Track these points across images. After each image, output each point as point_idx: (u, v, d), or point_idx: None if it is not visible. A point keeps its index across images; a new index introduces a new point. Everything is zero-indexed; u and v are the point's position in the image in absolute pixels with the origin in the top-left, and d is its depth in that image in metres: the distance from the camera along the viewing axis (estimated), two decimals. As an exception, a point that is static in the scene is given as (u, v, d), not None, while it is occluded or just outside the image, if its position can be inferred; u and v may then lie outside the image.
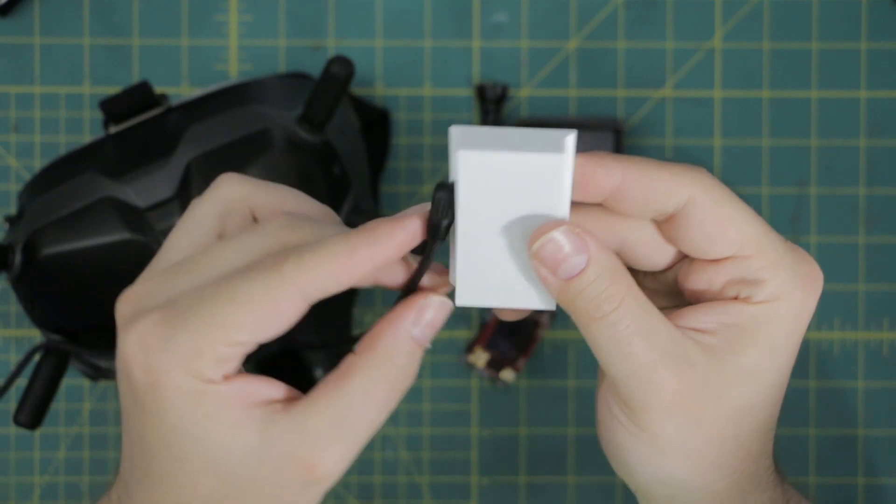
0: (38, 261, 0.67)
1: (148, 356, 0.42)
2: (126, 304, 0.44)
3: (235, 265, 0.43)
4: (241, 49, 0.79)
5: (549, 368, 0.79)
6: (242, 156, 0.68)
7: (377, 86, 0.79)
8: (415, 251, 0.45)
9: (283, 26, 0.79)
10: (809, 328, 0.79)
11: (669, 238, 0.46)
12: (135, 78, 0.78)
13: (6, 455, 0.79)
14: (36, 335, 0.78)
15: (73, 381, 0.78)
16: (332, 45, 0.79)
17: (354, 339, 0.45)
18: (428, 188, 0.79)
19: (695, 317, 0.46)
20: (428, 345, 0.44)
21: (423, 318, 0.44)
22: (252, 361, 0.71)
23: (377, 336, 0.44)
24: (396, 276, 0.45)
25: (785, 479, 0.51)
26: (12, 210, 0.77)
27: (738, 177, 0.79)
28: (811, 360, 0.79)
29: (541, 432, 0.79)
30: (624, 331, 0.43)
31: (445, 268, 0.45)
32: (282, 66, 0.78)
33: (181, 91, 0.78)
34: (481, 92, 0.78)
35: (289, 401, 0.44)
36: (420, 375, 0.79)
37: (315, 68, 0.77)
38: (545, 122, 0.77)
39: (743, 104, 0.79)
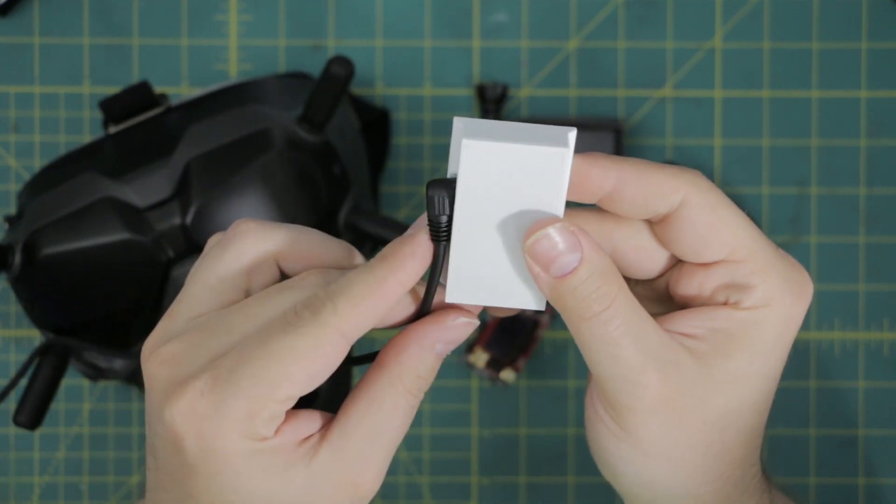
0: (38, 261, 0.67)
1: (201, 424, 0.42)
2: (160, 365, 0.43)
3: (272, 319, 0.42)
4: (240, 49, 0.79)
5: (549, 368, 0.79)
6: (242, 156, 0.68)
7: (377, 86, 0.79)
8: None
9: (283, 26, 0.79)
10: (809, 328, 0.79)
11: (662, 240, 0.46)
12: (135, 78, 0.78)
13: (6, 455, 0.79)
14: (36, 335, 0.78)
15: (73, 381, 0.78)
16: (332, 45, 0.79)
17: (360, 360, 0.46)
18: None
19: (684, 321, 0.46)
20: (448, 353, 0.45)
21: (449, 335, 0.44)
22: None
23: (402, 348, 0.44)
24: (405, 307, 0.45)
25: (773, 485, 0.51)
26: (12, 210, 0.77)
27: (738, 177, 0.79)
28: (811, 360, 0.79)
29: (541, 432, 0.79)
30: (613, 332, 0.43)
31: None
32: (282, 66, 0.78)
33: (181, 91, 0.78)
34: (481, 92, 0.78)
35: (324, 426, 0.44)
36: (420, 375, 0.79)
37: (315, 68, 0.77)
38: (545, 122, 0.77)
39: (743, 104, 0.79)
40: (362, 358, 0.46)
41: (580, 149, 0.52)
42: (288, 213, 0.68)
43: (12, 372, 0.78)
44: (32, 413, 0.68)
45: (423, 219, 0.44)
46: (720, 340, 0.45)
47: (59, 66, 0.78)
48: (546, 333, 0.79)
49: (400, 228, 0.70)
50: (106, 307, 0.69)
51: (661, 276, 0.47)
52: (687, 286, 0.46)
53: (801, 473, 0.79)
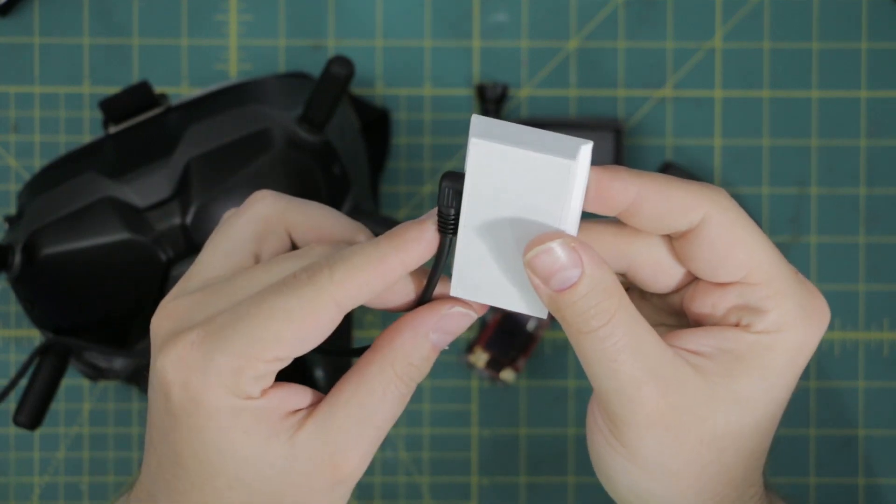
0: (38, 261, 0.67)
1: (188, 375, 0.42)
2: (163, 321, 0.44)
3: (271, 283, 0.43)
4: (240, 49, 0.79)
5: (549, 368, 0.79)
6: (242, 156, 0.68)
7: (377, 86, 0.79)
8: None
9: (283, 26, 0.79)
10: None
11: (679, 256, 0.45)
12: (135, 78, 0.78)
13: (6, 455, 0.79)
14: (36, 335, 0.78)
15: (72, 381, 0.78)
16: (332, 45, 0.79)
17: (356, 351, 0.46)
18: (428, 188, 0.79)
19: (693, 339, 0.45)
20: (446, 347, 0.45)
21: (445, 325, 0.44)
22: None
23: (396, 334, 0.44)
24: (405, 293, 0.45)
25: (776, 500, 0.51)
26: (12, 210, 0.77)
27: (738, 177, 0.79)
28: (811, 360, 0.79)
29: (541, 432, 0.79)
30: (611, 347, 0.43)
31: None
32: (282, 66, 0.78)
33: (181, 91, 0.78)
34: (481, 92, 0.78)
35: (313, 404, 0.44)
36: (420, 375, 0.79)
37: (315, 68, 0.77)
38: (545, 122, 0.77)
39: (743, 104, 0.79)
40: (364, 349, 0.46)
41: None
42: (288, 213, 0.68)
43: (12, 372, 0.78)
44: (32, 413, 0.68)
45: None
46: (727, 361, 0.45)
47: (59, 66, 0.78)
48: (546, 333, 0.79)
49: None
50: (106, 307, 0.69)
51: (676, 291, 0.47)
52: (701, 304, 0.46)
53: (801, 473, 0.79)
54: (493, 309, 0.78)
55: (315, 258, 0.44)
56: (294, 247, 0.47)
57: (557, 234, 0.42)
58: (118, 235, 0.67)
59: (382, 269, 0.43)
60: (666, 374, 0.44)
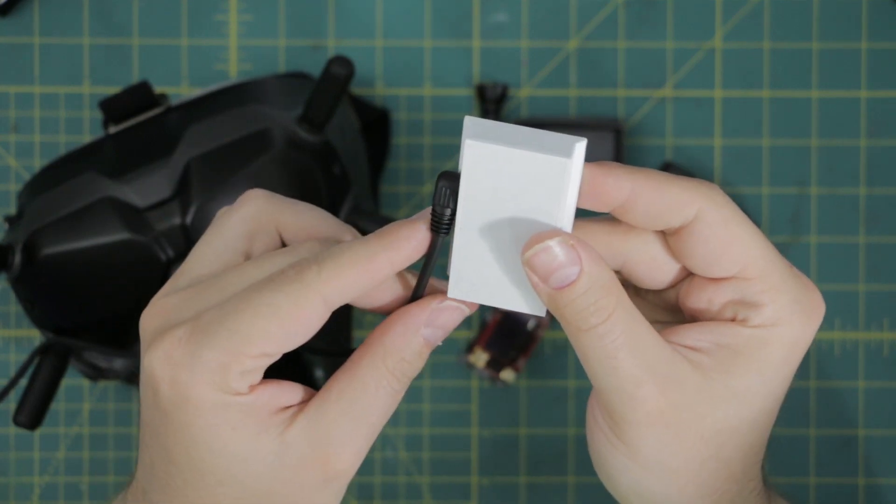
0: (38, 261, 0.67)
1: (175, 371, 0.42)
2: (151, 318, 0.44)
3: (259, 279, 0.43)
4: (240, 49, 0.79)
5: (549, 368, 0.79)
6: (242, 156, 0.68)
7: (377, 86, 0.79)
8: None
9: (283, 26, 0.79)
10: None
11: (674, 252, 0.45)
12: (135, 78, 0.78)
13: (6, 455, 0.79)
14: (36, 335, 0.78)
15: (72, 381, 0.78)
16: (332, 45, 0.79)
17: (351, 351, 0.46)
18: (428, 188, 0.79)
19: (690, 335, 0.46)
20: (439, 342, 0.45)
21: (437, 320, 0.44)
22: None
23: (387, 329, 0.44)
24: (394, 294, 0.45)
25: (775, 493, 0.51)
26: (12, 210, 0.77)
27: (738, 177, 0.79)
28: (811, 360, 0.79)
29: (541, 432, 0.79)
30: (610, 344, 0.43)
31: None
32: (282, 66, 0.78)
33: (181, 91, 0.78)
34: (481, 92, 0.78)
35: (305, 401, 0.44)
36: (420, 375, 0.79)
37: (315, 68, 0.77)
38: (545, 122, 0.77)
39: (743, 104, 0.79)
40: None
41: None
42: (288, 213, 0.68)
43: (12, 372, 0.78)
44: (32, 413, 0.68)
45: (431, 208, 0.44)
46: (724, 356, 0.45)
47: (59, 66, 0.78)
48: (546, 333, 0.79)
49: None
50: (106, 307, 0.69)
51: (671, 286, 0.47)
52: (696, 300, 0.46)
53: (801, 473, 0.79)
54: (493, 309, 0.78)
55: (304, 255, 0.44)
56: (284, 246, 0.47)
57: (555, 233, 0.43)
58: (118, 235, 0.67)
59: (371, 266, 0.43)
60: (665, 371, 0.44)
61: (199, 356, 0.42)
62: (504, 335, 0.78)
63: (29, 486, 0.79)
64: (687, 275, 0.46)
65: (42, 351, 0.69)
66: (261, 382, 0.43)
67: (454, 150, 0.79)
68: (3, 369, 0.79)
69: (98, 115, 0.78)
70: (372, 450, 0.79)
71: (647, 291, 0.48)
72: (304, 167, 0.69)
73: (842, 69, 0.78)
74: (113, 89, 0.78)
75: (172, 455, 0.44)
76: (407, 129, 0.79)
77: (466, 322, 0.79)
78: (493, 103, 0.77)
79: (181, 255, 0.69)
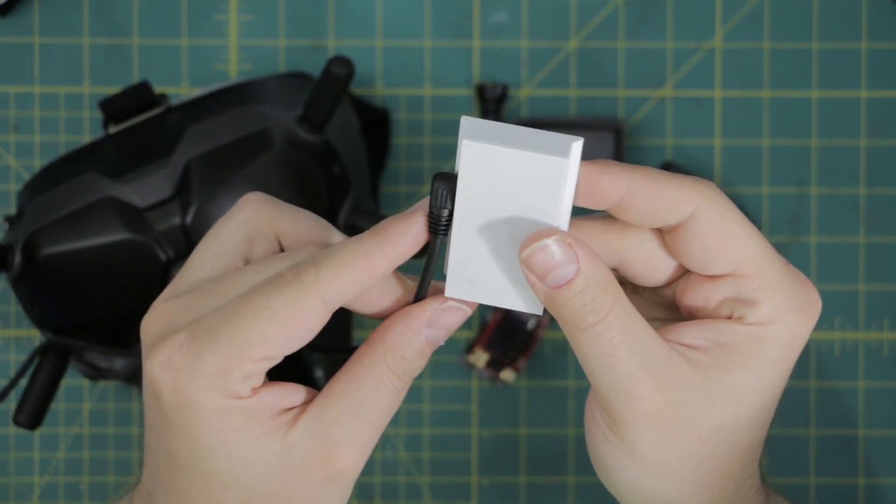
0: (38, 261, 0.67)
1: (176, 376, 0.42)
2: (152, 323, 0.45)
3: (258, 283, 0.43)
4: (240, 49, 0.79)
5: (549, 368, 0.79)
6: (242, 156, 0.68)
7: (377, 86, 0.79)
8: (418, 254, 0.45)
9: (283, 26, 0.79)
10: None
11: (671, 249, 0.46)
12: (135, 78, 0.78)
13: (6, 455, 0.79)
14: (36, 335, 0.78)
15: (72, 381, 0.78)
16: (332, 45, 0.79)
17: (353, 349, 0.46)
18: (428, 188, 0.79)
19: (687, 332, 0.46)
20: (441, 343, 0.45)
21: (439, 320, 0.44)
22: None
23: (388, 328, 0.44)
24: (392, 297, 0.45)
25: (773, 491, 0.51)
26: (12, 210, 0.77)
27: (738, 177, 0.79)
28: (811, 360, 0.79)
29: (541, 432, 0.79)
30: (608, 343, 0.43)
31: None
32: (282, 66, 0.78)
33: (181, 91, 0.78)
34: (481, 92, 0.78)
35: (307, 402, 0.44)
36: (420, 375, 0.79)
37: (315, 68, 0.77)
38: (545, 122, 0.77)
39: (743, 104, 0.79)
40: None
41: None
42: (288, 213, 0.68)
43: (12, 372, 0.78)
44: (32, 413, 0.68)
45: (426, 200, 0.44)
46: (722, 354, 0.45)
47: (59, 66, 0.78)
48: (546, 333, 0.79)
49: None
50: (106, 307, 0.69)
51: (668, 284, 0.47)
52: (693, 297, 0.46)
53: (801, 473, 0.79)
54: (493, 309, 0.78)
55: (302, 257, 0.44)
56: (283, 251, 0.47)
57: (552, 231, 0.43)
58: (118, 235, 0.67)
59: (368, 264, 0.43)
60: (662, 369, 0.44)
61: (200, 361, 0.42)
62: (504, 335, 0.78)
63: (29, 486, 0.79)
64: (683, 272, 0.46)
65: (42, 351, 0.69)
66: (263, 385, 0.43)
67: (454, 150, 0.79)
68: (3, 369, 0.79)
69: (98, 115, 0.78)
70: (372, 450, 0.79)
71: (644, 289, 0.48)
72: (304, 167, 0.69)
73: (842, 69, 0.78)
74: (113, 89, 0.78)
75: (177, 459, 0.44)
76: (407, 129, 0.79)
77: (466, 322, 0.79)
78: (493, 103, 0.77)
79: (181, 256, 0.69)
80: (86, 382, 0.79)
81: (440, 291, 0.45)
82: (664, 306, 0.48)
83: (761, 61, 0.79)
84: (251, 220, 0.46)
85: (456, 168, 0.43)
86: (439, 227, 0.43)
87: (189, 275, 0.45)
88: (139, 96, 0.70)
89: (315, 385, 0.47)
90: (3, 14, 0.78)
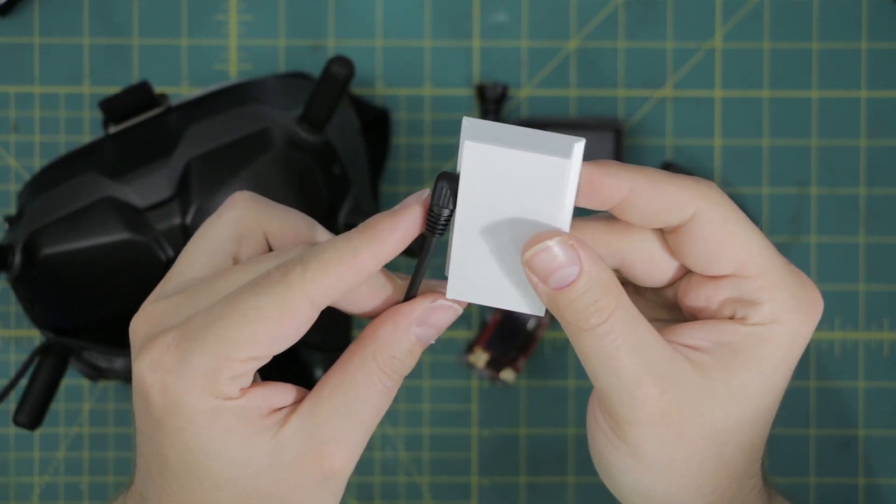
0: (38, 261, 0.67)
1: (165, 377, 0.42)
2: (141, 324, 0.44)
3: (247, 282, 0.43)
4: (240, 49, 0.79)
5: (549, 368, 0.79)
6: (242, 156, 0.68)
7: (377, 86, 0.79)
8: (411, 252, 0.45)
9: (283, 26, 0.79)
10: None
11: (672, 250, 0.46)
12: (135, 78, 0.78)
13: (6, 455, 0.79)
14: (36, 335, 0.78)
15: (72, 381, 0.78)
16: (332, 45, 0.79)
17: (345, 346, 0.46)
18: (428, 188, 0.79)
19: (689, 333, 0.45)
20: (432, 341, 0.45)
21: (429, 319, 0.44)
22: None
23: (378, 326, 0.44)
24: (380, 296, 0.45)
25: (775, 492, 0.51)
26: (12, 210, 0.77)
27: (738, 177, 0.79)
28: (811, 360, 0.79)
29: (541, 432, 0.79)
30: (611, 344, 0.43)
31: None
32: (282, 66, 0.78)
33: (181, 91, 0.78)
34: (481, 92, 0.78)
35: (298, 401, 0.44)
36: (420, 375, 0.79)
37: (315, 68, 0.77)
38: (545, 122, 0.77)
39: (743, 104, 0.79)
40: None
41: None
42: (288, 213, 0.68)
43: (12, 372, 0.78)
44: (32, 413, 0.68)
45: (414, 196, 0.43)
46: (724, 354, 0.45)
47: (59, 66, 0.78)
48: (546, 333, 0.79)
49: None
50: (106, 307, 0.69)
51: (669, 285, 0.47)
52: (695, 298, 0.46)
53: (801, 473, 0.79)
54: (493, 309, 0.78)
55: (290, 257, 0.44)
56: (271, 250, 0.47)
57: (555, 233, 0.43)
58: (118, 235, 0.67)
59: (355, 262, 0.42)
60: (665, 370, 0.44)
61: (188, 362, 0.42)
62: (504, 335, 0.78)
63: (29, 486, 0.79)
64: (685, 273, 0.46)
65: (42, 351, 0.69)
66: (252, 385, 0.43)
67: (454, 150, 0.79)
68: (3, 369, 0.79)
69: (98, 115, 0.78)
70: (372, 450, 0.79)
71: (645, 289, 0.48)
72: (304, 167, 0.69)
73: (842, 69, 0.78)
74: (113, 89, 0.78)
75: (167, 460, 0.44)
76: (407, 129, 0.79)
77: (466, 322, 0.79)
78: (493, 103, 0.77)
79: (181, 255, 0.69)
80: (86, 382, 0.79)
81: (431, 290, 0.45)
82: (665, 307, 0.48)
83: (761, 61, 0.79)
84: (239, 220, 0.46)
85: (457, 169, 0.43)
86: (437, 226, 0.43)
87: (178, 275, 0.45)
88: (139, 96, 0.70)
89: (314, 384, 0.47)
90: (3, 14, 0.78)
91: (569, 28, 0.79)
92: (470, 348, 0.78)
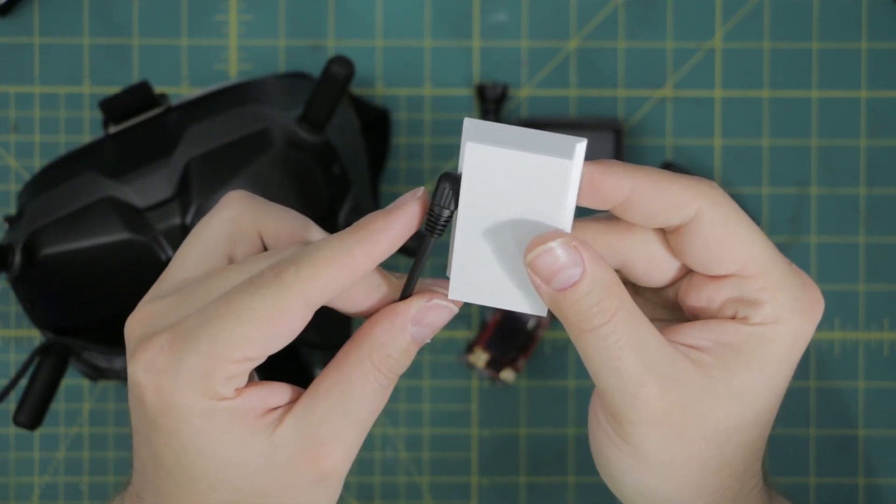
0: (38, 261, 0.67)
1: (159, 379, 0.42)
2: (135, 325, 0.44)
3: (241, 282, 0.43)
4: (240, 49, 0.79)
5: (549, 368, 0.79)
6: (242, 156, 0.68)
7: (377, 86, 0.79)
8: (409, 251, 0.45)
9: (283, 26, 0.79)
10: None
11: (674, 249, 0.46)
12: (135, 78, 0.78)
13: (6, 455, 0.79)
14: (36, 335, 0.78)
15: (72, 381, 0.78)
16: (332, 45, 0.79)
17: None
18: (428, 188, 0.79)
19: (691, 333, 0.46)
20: (427, 340, 0.45)
21: (424, 318, 0.44)
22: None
23: (373, 325, 0.44)
24: (376, 295, 0.45)
25: (775, 492, 0.51)
26: (12, 210, 0.77)
27: (738, 177, 0.79)
28: (811, 360, 0.79)
29: (541, 432, 0.79)
30: (613, 345, 0.43)
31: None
32: (282, 66, 0.78)
33: (181, 91, 0.78)
34: (481, 92, 0.78)
35: (293, 401, 0.44)
36: (420, 375, 0.79)
37: (315, 68, 0.77)
38: (545, 122, 0.77)
39: (743, 104, 0.79)
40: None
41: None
42: (288, 213, 0.68)
43: (12, 372, 0.78)
44: (32, 413, 0.68)
45: (409, 195, 0.43)
46: (726, 354, 0.45)
47: (59, 66, 0.78)
48: (546, 333, 0.79)
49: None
50: (106, 307, 0.69)
51: (670, 285, 0.47)
52: (696, 298, 0.46)
53: (801, 473, 0.79)
54: (493, 309, 0.78)
55: (284, 256, 0.43)
56: (266, 249, 0.47)
57: (558, 234, 0.43)
58: (118, 235, 0.67)
59: (349, 262, 0.42)
60: (667, 370, 0.44)
61: (182, 363, 0.42)
62: (504, 335, 0.78)
63: (29, 486, 0.79)
64: (685, 273, 0.46)
65: (42, 351, 0.69)
66: (247, 385, 0.43)
67: (454, 150, 0.79)
68: (3, 369, 0.79)
69: (98, 115, 0.78)
70: (372, 450, 0.79)
71: (646, 289, 0.48)
72: (304, 167, 0.69)
73: (842, 69, 0.78)
74: (113, 89, 0.78)
75: (163, 461, 0.44)
76: (407, 129, 0.79)
77: (466, 322, 0.79)
78: (493, 103, 0.77)
79: (181, 256, 0.69)
80: (86, 382, 0.79)
81: (427, 289, 0.45)
82: (666, 307, 0.48)
83: (761, 61, 0.79)
84: (234, 219, 0.46)
85: (459, 170, 0.43)
86: (437, 226, 0.43)
87: (173, 275, 0.45)
88: (139, 96, 0.70)
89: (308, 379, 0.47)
90: (3, 14, 0.78)
91: (569, 28, 0.79)
92: (470, 348, 0.78)
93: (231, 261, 0.46)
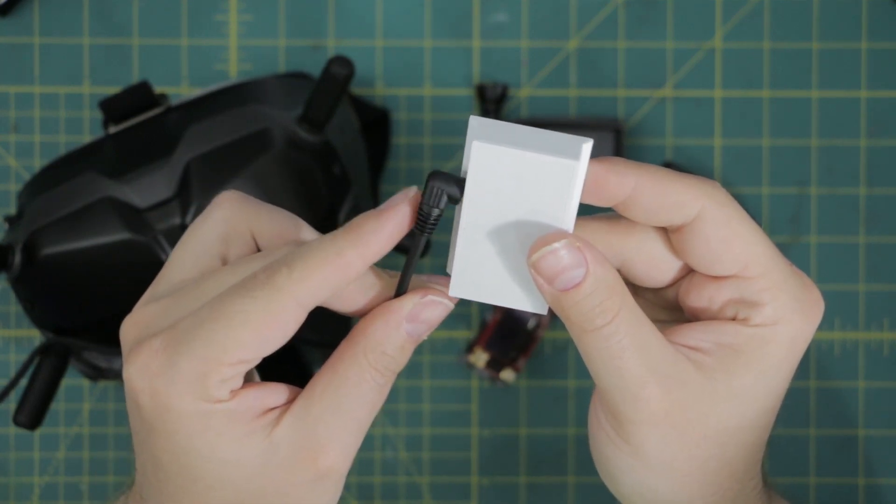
0: (38, 261, 0.67)
1: (154, 382, 0.42)
2: (130, 328, 0.44)
3: (234, 284, 0.43)
4: (240, 49, 0.79)
5: (549, 368, 0.79)
6: (242, 156, 0.68)
7: (377, 86, 0.79)
8: (404, 249, 0.45)
9: (283, 26, 0.79)
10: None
11: (675, 248, 0.46)
12: (135, 78, 0.78)
13: (6, 455, 0.79)
14: (36, 335, 0.78)
15: (72, 381, 0.78)
16: (332, 45, 0.79)
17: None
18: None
19: (691, 334, 0.46)
20: (423, 338, 0.45)
21: (420, 315, 0.44)
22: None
23: (368, 323, 0.44)
24: (370, 293, 0.45)
25: (775, 493, 0.51)
26: (12, 210, 0.77)
27: (738, 177, 0.79)
28: (811, 360, 0.79)
29: (541, 432, 0.79)
30: (615, 345, 0.43)
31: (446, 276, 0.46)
32: (282, 66, 0.78)
33: (181, 91, 0.78)
34: (481, 92, 0.78)
35: (291, 401, 0.44)
36: (420, 375, 0.79)
37: (315, 68, 0.77)
38: (545, 122, 0.77)
39: (743, 104, 0.79)
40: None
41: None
42: (288, 213, 0.68)
43: (12, 372, 0.78)
44: (32, 413, 0.68)
45: (401, 195, 0.43)
46: (726, 355, 0.45)
47: (59, 66, 0.78)
48: (546, 333, 0.79)
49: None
50: (106, 307, 0.69)
51: (670, 285, 0.47)
52: (697, 298, 0.46)
53: (801, 473, 0.79)
54: (493, 309, 0.78)
55: (276, 257, 0.43)
56: (259, 250, 0.47)
57: (561, 235, 0.43)
58: (118, 235, 0.67)
59: (341, 263, 0.42)
60: (668, 371, 0.44)
61: (176, 366, 0.42)
62: (504, 335, 0.78)
63: (29, 486, 0.79)
64: (686, 273, 0.46)
65: (42, 351, 0.69)
66: (244, 386, 0.43)
67: (454, 150, 0.79)
68: (3, 369, 0.79)
69: (98, 115, 0.78)
70: (372, 450, 0.79)
71: (646, 290, 0.48)
72: (304, 167, 0.69)
73: (842, 69, 0.78)
74: (113, 89, 0.78)
75: (161, 463, 0.44)
76: (407, 129, 0.79)
77: (466, 322, 0.79)
78: (493, 103, 0.77)
79: (181, 256, 0.69)
80: (86, 382, 0.79)
81: (422, 286, 0.45)
82: (665, 307, 0.48)
83: (761, 61, 0.79)
84: (227, 220, 0.46)
85: (464, 168, 0.43)
86: (427, 225, 0.43)
87: (168, 277, 0.45)
88: (139, 96, 0.70)
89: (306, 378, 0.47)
90: (3, 14, 0.78)
91: (569, 28, 0.79)
92: (470, 348, 0.78)
93: (225, 261, 0.46)
